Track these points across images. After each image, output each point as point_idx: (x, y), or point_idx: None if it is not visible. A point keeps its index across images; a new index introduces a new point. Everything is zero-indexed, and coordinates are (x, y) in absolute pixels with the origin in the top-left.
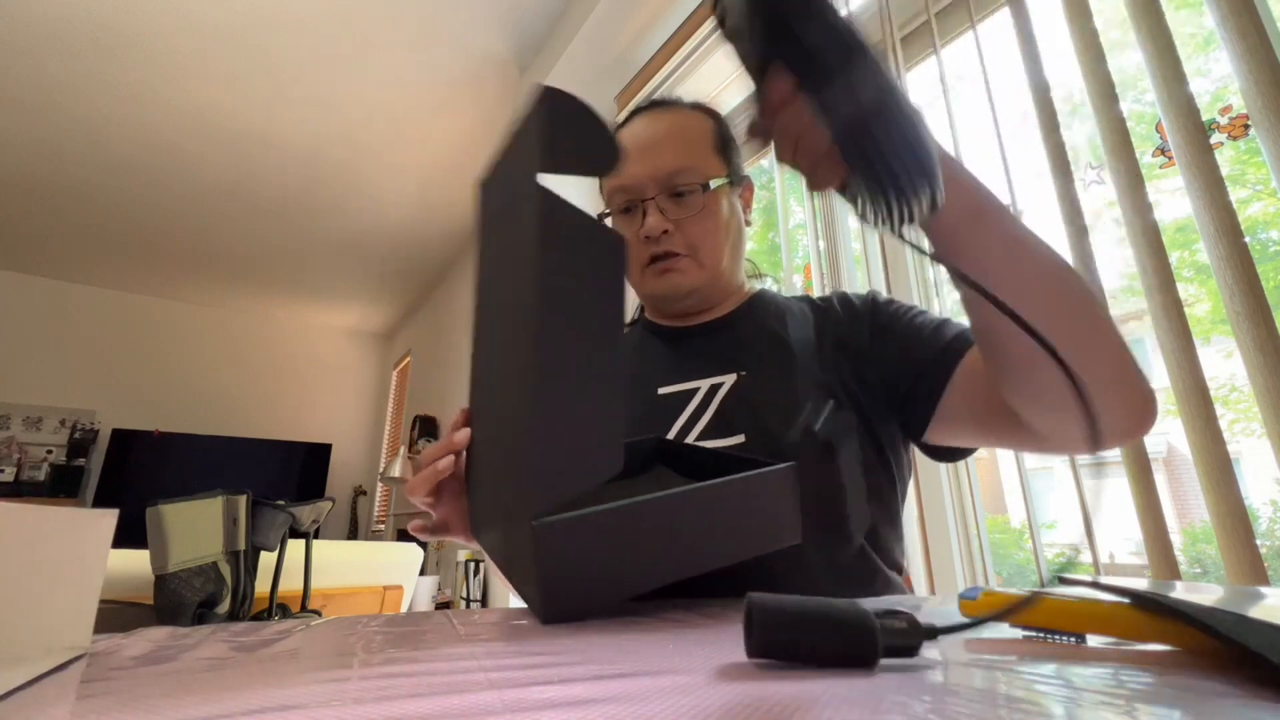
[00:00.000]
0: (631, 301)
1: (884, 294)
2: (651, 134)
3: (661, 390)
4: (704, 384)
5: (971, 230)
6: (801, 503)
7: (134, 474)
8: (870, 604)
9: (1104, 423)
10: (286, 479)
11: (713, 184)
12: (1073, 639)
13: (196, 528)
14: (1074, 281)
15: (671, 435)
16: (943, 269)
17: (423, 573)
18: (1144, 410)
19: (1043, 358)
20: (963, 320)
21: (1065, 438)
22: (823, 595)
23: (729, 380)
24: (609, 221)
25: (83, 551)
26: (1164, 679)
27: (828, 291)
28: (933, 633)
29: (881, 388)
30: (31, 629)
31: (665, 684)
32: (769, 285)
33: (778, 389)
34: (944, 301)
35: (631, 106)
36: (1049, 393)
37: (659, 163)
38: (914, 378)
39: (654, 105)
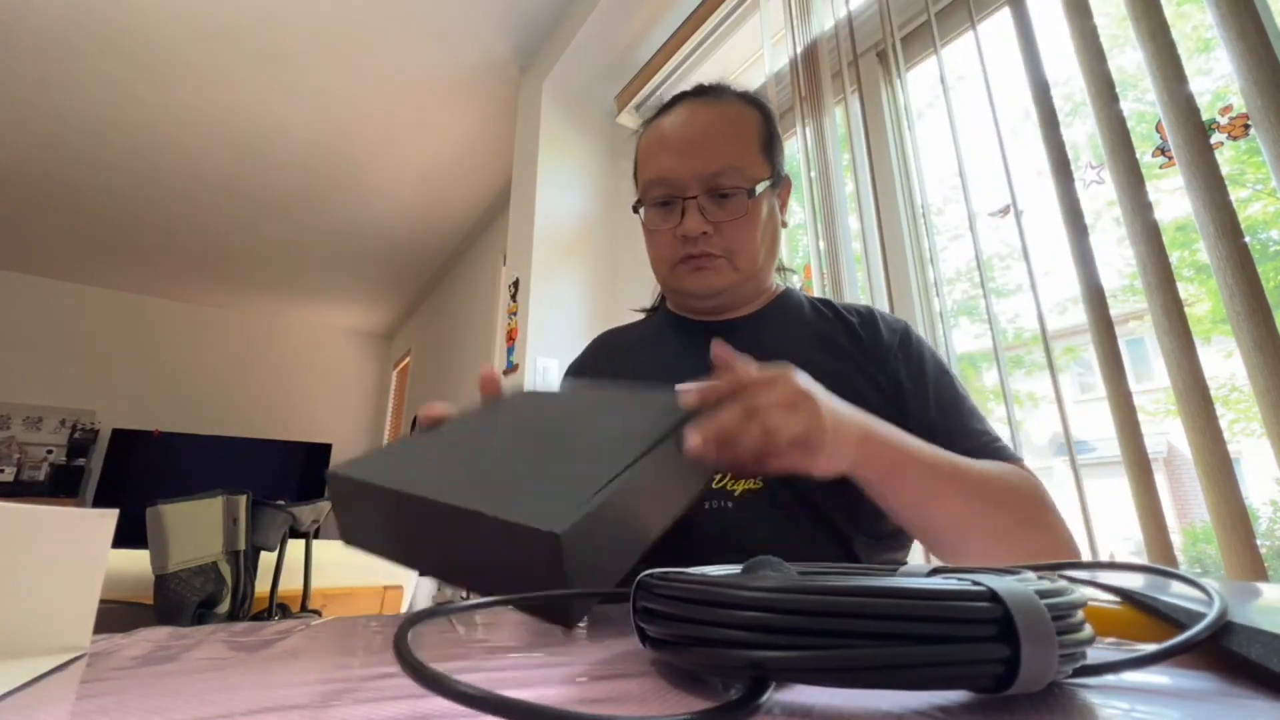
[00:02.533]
0: (653, 288)
1: (915, 331)
2: (697, 127)
3: (679, 387)
4: None
5: (890, 483)
6: (812, 508)
7: (134, 474)
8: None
9: None
10: (286, 479)
11: (758, 189)
12: None
13: (196, 528)
14: (996, 493)
15: None
16: (942, 263)
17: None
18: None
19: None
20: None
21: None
22: None
23: None
24: (642, 212)
25: (83, 551)
26: (1164, 679)
27: (828, 290)
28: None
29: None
30: (31, 629)
31: (668, 684)
32: (794, 282)
33: None
34: (944, 302)
35: (675, 92)
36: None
37: (704, 160)
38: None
39: (702, 93)
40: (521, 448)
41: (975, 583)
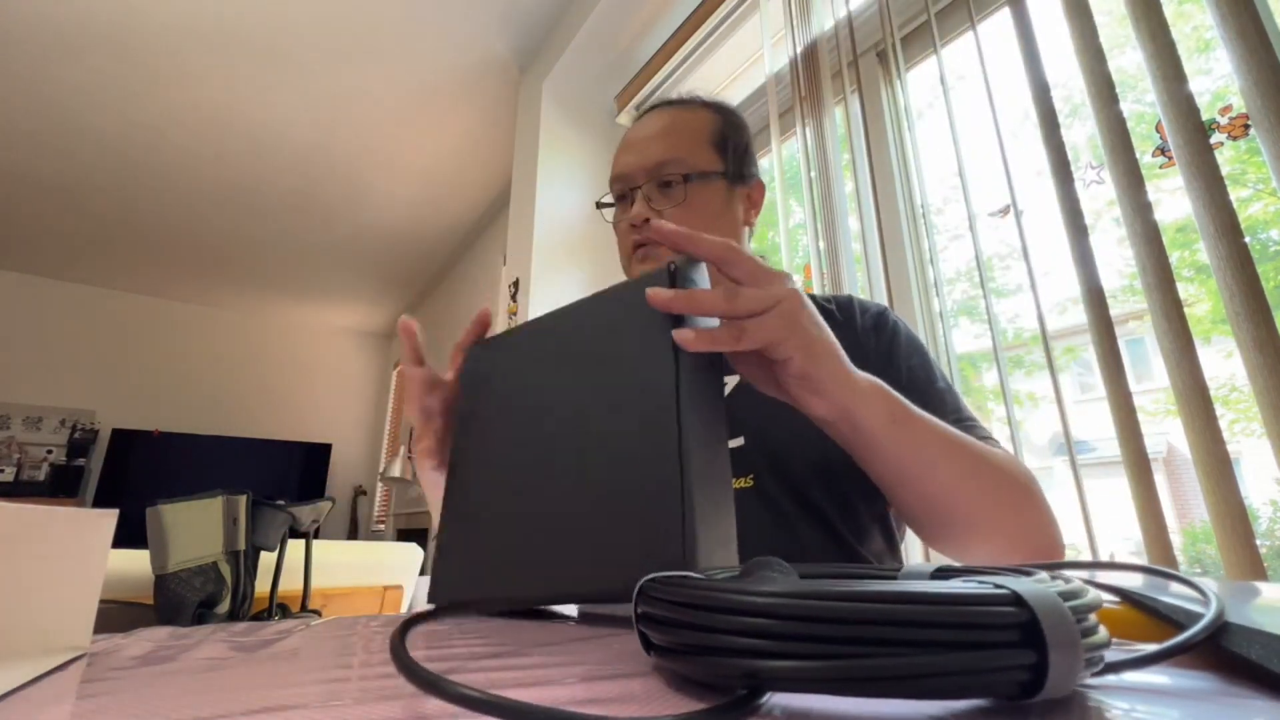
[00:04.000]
0: None
1: (892, 314)
2: (650, 128)
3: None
4: None
5: (890, 433)
6: (803, 502)
7: (134, 474)
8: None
9: (1002, 553)
10: (286, 479)
11: (695, 176)
12: None
13: (196, 528)
14: (988, 468)
15: None
16: (942, 263)
17: (423, 573)
18: (1046, 555)
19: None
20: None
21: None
22: None
23: (731, 382)
24: (608, 213)
25: (83, 551)
26: (1164, 679)
27: (828, 290)
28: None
29: None
30: (31, 629)
31: (666, 685)
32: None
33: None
34: (944, 302)
35: (647, 105)
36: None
37: (648, 153)
38: None
39: (664, 103)
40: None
41: (997, 585)
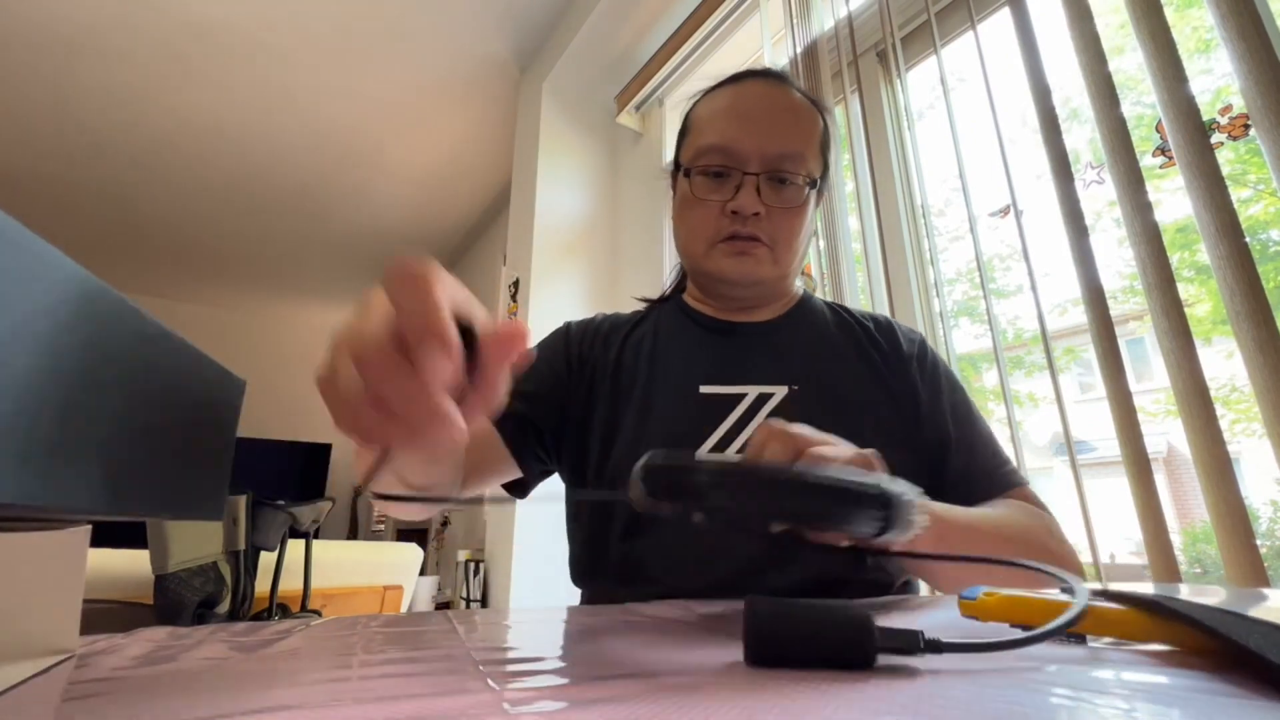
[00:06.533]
0: (662, 283)
1: (930, 344)
2: (771, 105)
3: (704, 389)
4: (752, 391)
5: (936, 548)
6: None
7: None
8: (868, 604)
9: None
10: (286, 479)
11: (815, 184)
12: (1073, 639)
13: (196, 528)
14: (1020, 545)
15: (712, 442)
16: (942, 265)
17: (423, 573)
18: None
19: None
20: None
21: None
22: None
23: (779, 393)
24: (684, 180)
25: (58, 569)
26: (1164, 679)
27: (829, 291)
28: (936, 645)
29: (910, 425)
30: (19, 628)
31: (663, 685)
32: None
33: (830, 412)
34: (944, 302)
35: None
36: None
37: (774, 140)
38: (936, 466)
39: (776, 76)
40: None
41: (876, 484)
